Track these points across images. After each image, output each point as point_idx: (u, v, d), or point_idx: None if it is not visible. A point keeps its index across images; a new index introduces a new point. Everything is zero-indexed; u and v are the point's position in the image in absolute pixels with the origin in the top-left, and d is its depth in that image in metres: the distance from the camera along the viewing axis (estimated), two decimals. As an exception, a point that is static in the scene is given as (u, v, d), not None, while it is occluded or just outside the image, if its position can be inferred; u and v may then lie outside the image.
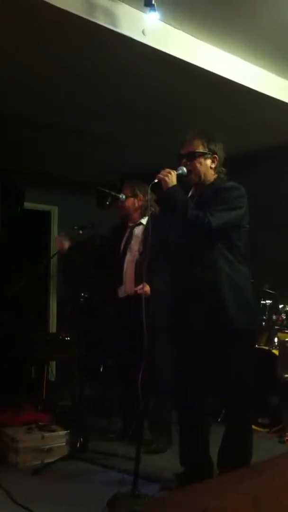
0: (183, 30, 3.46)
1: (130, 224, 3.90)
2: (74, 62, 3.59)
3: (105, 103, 4.33)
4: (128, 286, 3.74)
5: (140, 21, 3.19)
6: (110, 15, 3.08)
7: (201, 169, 2.75)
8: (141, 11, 3.13)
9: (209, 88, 3.94)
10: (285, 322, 4.15)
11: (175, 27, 3.41)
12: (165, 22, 3.33)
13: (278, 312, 4.23)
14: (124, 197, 3.80)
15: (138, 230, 3.83)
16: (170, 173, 2.67)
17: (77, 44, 3.33)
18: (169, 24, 3.37)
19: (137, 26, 3.20)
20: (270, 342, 4.21)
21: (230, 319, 2.61)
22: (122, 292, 3.81)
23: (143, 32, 3.22)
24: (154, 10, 3.02)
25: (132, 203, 3.83)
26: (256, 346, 4.18)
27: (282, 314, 4.19)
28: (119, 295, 3.83)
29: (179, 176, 2.71)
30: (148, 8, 3.01)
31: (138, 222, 3.85)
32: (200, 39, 3.57)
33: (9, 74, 3.79)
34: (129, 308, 3.46)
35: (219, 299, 2.62)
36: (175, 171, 2.70)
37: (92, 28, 3.08)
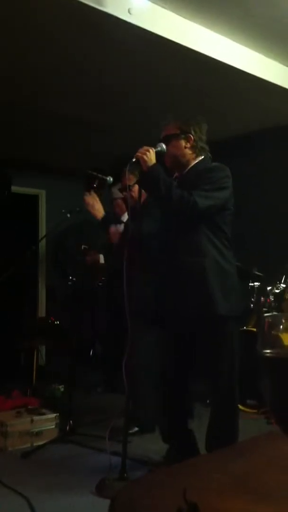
0: (171, 10, 3.40)
1: None
2: (58, 44, 3.53)
3: (91, 86, 4.27)
4: None
5: (126, 0, 3.12)
6: (95, -7, 3.02)
7: (175, 151, 2.70)
8: (127, -11, 3.08)
9: (198, 69, 3.89)
10: (273, 304, 4.16)
11: (162, 7, 3.36)
12: (152, 2, 3.28)
13: (266, 294, 4.25)
14: (111, 180, 3.74)
15: None
16: (148, 151, 2.60)
17: (60, 24, 3.27)
18: (156, 3, 3.31)
19: (123, 4, 3.14)
20: (258, 324, 4.24)
21: (215, 305, 2.57)
22: None
23: (129, 11, 3.17)
24: (140, -12, 2.98)
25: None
26: (245, 328, 4.21)
27: (270, 296, 4.21)
28: None
29: (158, 154, 2.65)
30: (134, -13, 2.97)
31: None
32: (189, 19, 3.52)
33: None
34: None
35: (205, 284, 2.57)
36: (153, 149, 2.63)
37: (76, 7, 3.01)
